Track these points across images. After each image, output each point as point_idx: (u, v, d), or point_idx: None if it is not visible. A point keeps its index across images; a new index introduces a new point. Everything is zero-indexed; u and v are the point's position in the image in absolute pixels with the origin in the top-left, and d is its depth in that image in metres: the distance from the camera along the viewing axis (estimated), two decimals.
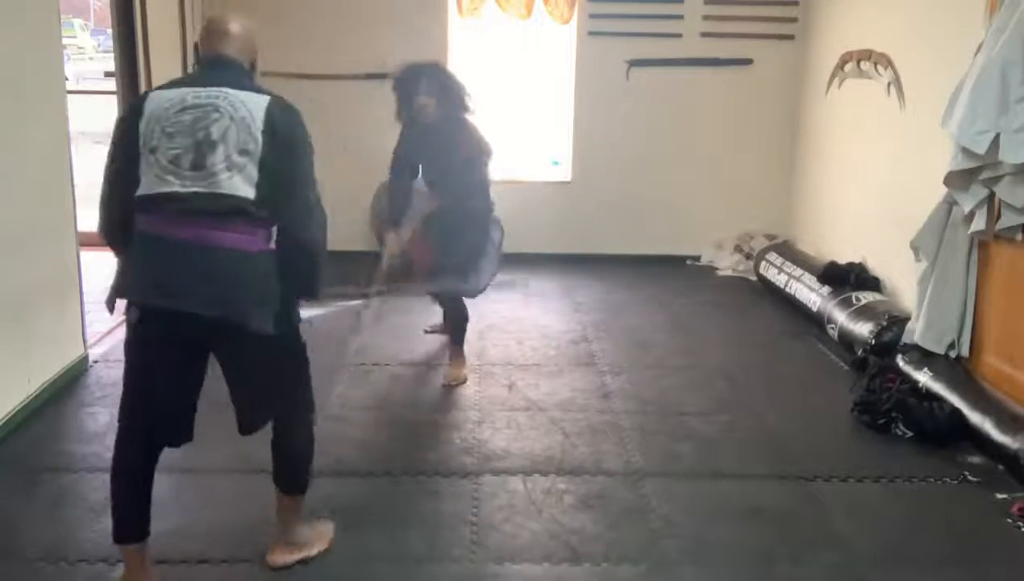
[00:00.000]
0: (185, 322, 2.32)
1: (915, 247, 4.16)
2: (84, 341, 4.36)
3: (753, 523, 3.06)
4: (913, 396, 3.83)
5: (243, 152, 2.32)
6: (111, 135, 2.49)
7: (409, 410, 4.01)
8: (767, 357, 4.77)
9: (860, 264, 5.16)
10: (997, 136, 3.53)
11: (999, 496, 3.24)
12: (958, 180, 3.81)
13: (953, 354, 3.99)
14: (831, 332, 4.87)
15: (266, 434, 2.63)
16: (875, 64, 5.16)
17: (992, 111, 3.53)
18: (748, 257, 6.38)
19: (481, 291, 4.31)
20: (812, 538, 2.98)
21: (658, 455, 3.56)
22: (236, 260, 2.35)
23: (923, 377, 3.94)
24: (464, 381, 4.25)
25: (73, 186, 4.27)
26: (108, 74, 7.64)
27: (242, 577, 2.69)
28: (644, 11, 6.28)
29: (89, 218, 5.09)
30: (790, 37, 6.37)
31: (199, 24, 5.53)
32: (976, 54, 3.72)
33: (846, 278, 5.03)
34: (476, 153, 4.12)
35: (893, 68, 4.95)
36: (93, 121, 8.93)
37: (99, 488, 3.17)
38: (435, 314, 4.87)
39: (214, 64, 2.51)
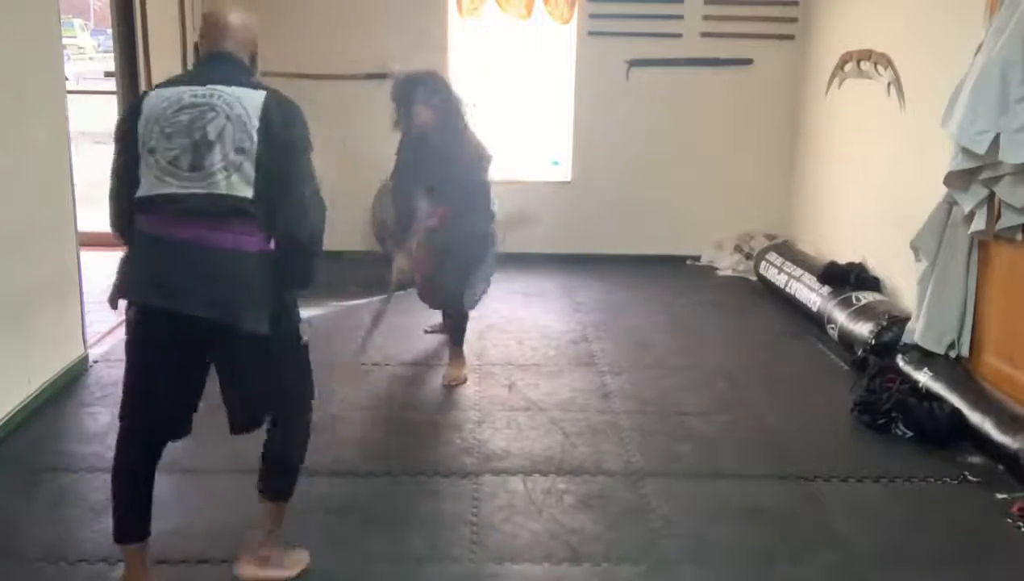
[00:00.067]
0: (184, 322, 2.32)
1: (915, 247, 4.16)
2: (84, 341, 4.36)
3: (753, 523, 3.06)
4: (913, 396, 3.83)
5: (239, 150, 2.32)
6: (114, 134, 2.50)
7: (409, 410, 4.01)
8: (767, 357, 4.77)
9: (860, 264, 5.16)
10: (997, 136, 3.53)
11: (999, 496, 3.24)
12: (958, 180, 3.81)
13: (953, 354, 3.99)
14: (831, 332, 4.87)
15: (265, 435, 2.62)
16: (875, 64, 5.16)
17: (992, 111, 3.53)
18: (748, 257, 6.38)
19: (475, 305, 4.36)
20: (812, 538, 2.98)
21: (658, 455, 3.56)
22: (235, 261, 2.35)
23: (923, 377, 3.94)
24: (464, 381, 4.25)
25: (73, 186, 4.27)
26: (108, 74, 7.64)
27: None
28: (644, 11, 6.28)
29: (89, 218, 5.12)
30: (790, 37, 6.37)
31: (199, 24, 5.53)
32: (976, 54, 3.72)
33: (846, 278, 5.03)
34: (475, 160, 4.15)
35: (893, 68, 4.95)
36: (93, 121, 8.92)
37: (99, 488, 3.17)
38: (435, 314, 4.87)
39: (212, 60, 2.50)
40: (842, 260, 5.27)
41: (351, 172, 5.76)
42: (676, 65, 6.39)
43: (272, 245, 2.43)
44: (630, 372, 4.44)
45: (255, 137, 2.33)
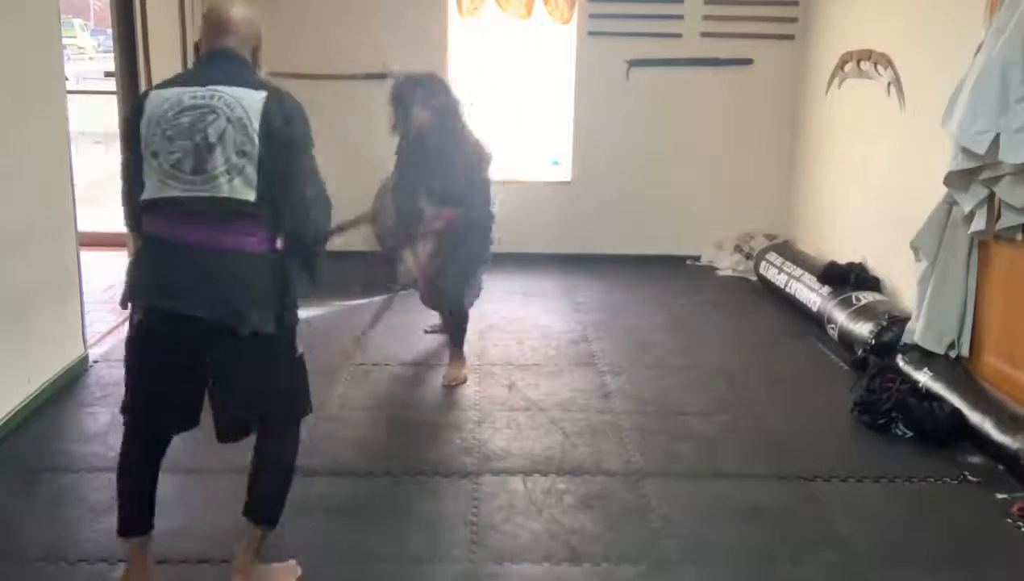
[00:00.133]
0: (186, 323, 2.33)
1: (915, 247, 4.16)
2: (84, 341, 4.36)
3: (753, 523, 3.06)
4: (913, 396, 3.83)
5: (241, 153, 2.32)
6: (120, 134, 2.51)
7: (409, 410, 4.01)
8: (767, 357, 4.77)
9: (860, 264, 5.16)
10: (997, 136, 3.53)
11: (999, 496, 3.24)
12: (958, 180, 3.81)
13: (953, 354, 3.99)
14: (831, 332, 4.87)
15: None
16: (875, 64, 5.16)
17: (992, 111, 3.53)
18: (748, 257, 6.38)
19: (471, 304, 4.36)
20: (812, 538, 2.98)
21: (658, 455, 3.56)
22: (238, 261, 2.36)
23: (923, 377, 3.94)
24: (464, 381, 4.25)
25: (73, 186, 4.27)
26: (108, 74, 7.64)
27: None
28: (644, 11, 6.28)
29: (89, 218, 5.12)
30: (790, 37, 6.37)
31: (199, 24, 5.52)
32: (976, 54, 3.71)
33: (846, 278, 5.03)
34: (475, 160, 4.14)
35: (893, 68, 4.95)
36: (93, 121, 8.94)
37: (99, 488, 3.18)
38: (435, 314, 4.87)
39: (213, 58, 2.48)
40: (842, 260, 5.27)
41: (351, 172, 5.74)
42: (676, 65, 6.39)
43: (277, 245, 2.43)
44: (630, 372, 4.44)
45: (256, 140, 2.32)
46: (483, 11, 6.32)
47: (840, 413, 3.95)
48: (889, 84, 4.98)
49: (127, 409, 2.54)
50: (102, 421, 3.75)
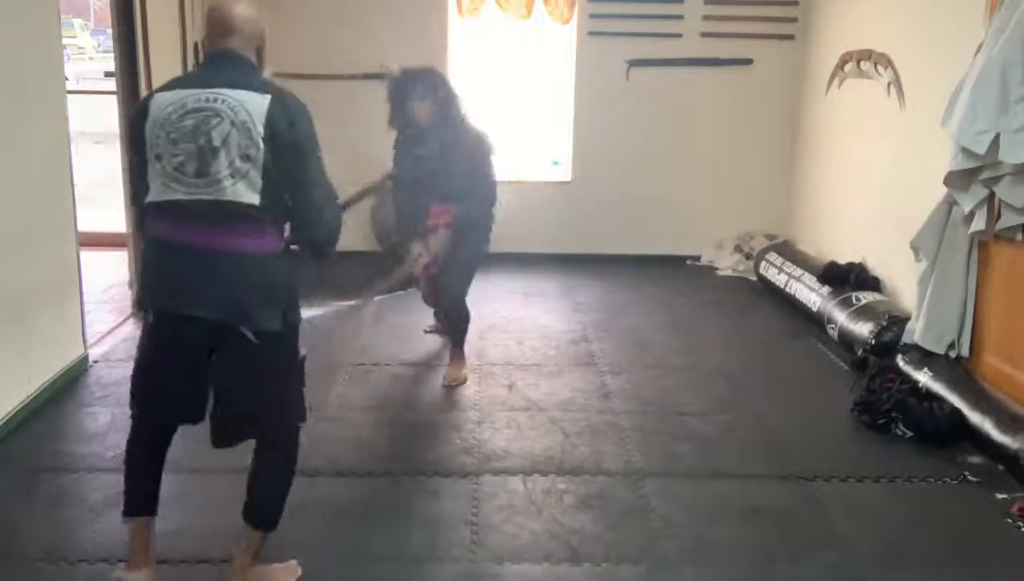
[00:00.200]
0: (190, 324, 2.36)
1: (915, 247, 4.16)
2: (84, 341, 4.36)
3: (753, 523, 3.06)
4: (913, 396, 3.83)
5: (245, 158, 2.32)
6: (126, 136, 2.52)
7: (409, 410, 4.01)
8: (767, 357, 4.77)
9: (860, 264, 5.16)
10: (997, 136, 3.53)
11: (999, 496, 3.24)
12: (958, 180, 3.81)
13: (953, 354, 3.99)
14: (831, 332, 4.87)
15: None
16: (875, 64, 5.16)
17: (992, 111, 3.53)
18: (748, 257, 6.38)
19: (463, 297, 4.32)
20: (812, 538, 2.98)
21: (658, 455, 3.56)
22: (242, 263, 2.38)
23: (923, 377, 3.94)
24: (464, 382, 4.24)
25: (73, 186, 4.27)
26: (108, 74, 7.64)
27: None
28: (644, 11, 6.28)
29: (89, 218, 5.12)
30: (790, 37, 6.37)
31: (199, 24, 5.52)
32: (976, 54, 3.71)
33: (846, 278, 5.03)
34: (478, 155, 4.11)
35: (893, 68, 4.95)
36: (93, 121, 8.93)
37: (99, 488, 3.18)
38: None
39: (216, 60, 2.48)
40: (842, 260, 5.27)
41: (351, 172, 5.73)
42: (676, 65, 6.39)
43: (280, 246, 2.45)
44: (630, 372, 4.44)
45: (261, 145, 2.32)
46: (483, 11, 6.32)
47: (840, 413, 3.95)
48: (889, 84, 4.98)
49: (133, 402, 2.58)
50: (102, 421, 3.75)
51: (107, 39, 9.01)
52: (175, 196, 2.34)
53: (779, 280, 5.66)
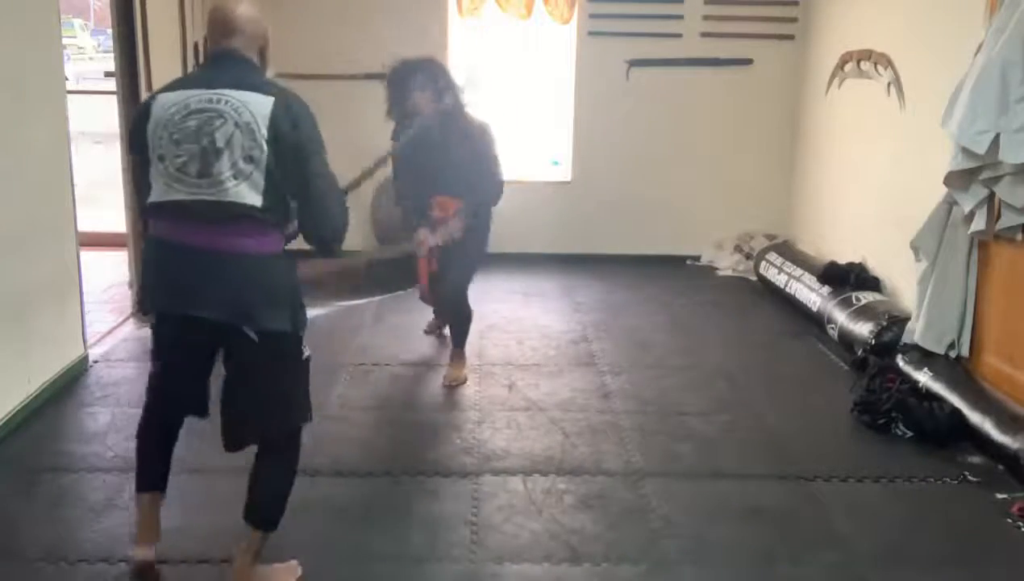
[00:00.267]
0: (196, 324, 2.37)
1: (915, 247, 4.16)
2: (84, 341, 4.36)
3: (753, 523, 3.06)
4: (913, 396, 3.83)
5: (249, 159, 2.32)
6: (127, 136, 2.53)
7: (409, 410, 4.01)
8: (767, 357, 4.77)
9: (860, 264, 5.16)
10: (997, 136, 3.53)
11: (999, 496, 3.24)
12: (958, 180, 3.81)
13: (953, 354, 3.99)
14: (831, 332, 4.87)
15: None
16: (875, 64, 5.16)
17: (992, 111, 3.53)
18: (748, 257, 6.38)
19: (465, 295, 4.30)
20: (812, 538, 2.98)
21: (658, 455, 3.56)
22: (245, 264, 2.38)
23: (923, 377, 3.94)
24: (464, 382, 4.24)
25: (73, 186, 4.27)
26: (108, 74, 7.64)
27: None
28: (644, 11, 6.28)
29: (89, 218, 5.12)
30: (790, 37, 6.37)
31: (199, 24, 5.52)
32: (976, 54, 3.72)
33: (846, 278, 5.03)
34: (480, 145, 4.06)
35: (893, 68, 4.95)
36: (93, 121, 8.93)
37: (99, 488, 3.18)
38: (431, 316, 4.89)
39: (218, 60, 2.48)
40: (842, 260, 5.27)
41: (351, 172, 5.75)
42: (676, 65, 6.39)
43: (283, 246, 2.46)
44: (630, 372, 4.44)
45: (265, 146, 2.32)
46: (483, 11, 6.32)
47: (840, 413, 3.95)
48: (889, 84, 4.98)
49: (147, 389, 2.64)
50: (102, 421, 3.75)
51: (107, 39, 9.01)
52: (177, 196, 2.34)
53: (779, 280, 5.66)
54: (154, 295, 2.46)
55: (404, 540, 2.90)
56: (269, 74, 2.54)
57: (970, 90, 3.64)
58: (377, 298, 5.53)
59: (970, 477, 3.38)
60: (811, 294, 5.21)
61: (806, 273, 5.40)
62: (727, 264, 6.48)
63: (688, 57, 6.38)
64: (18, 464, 3.38)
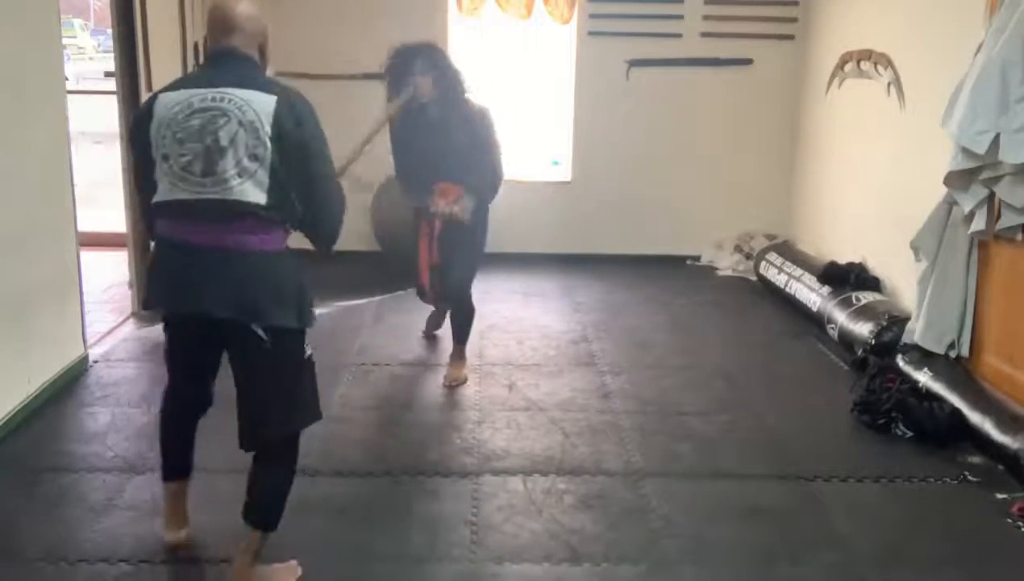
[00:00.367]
0: (202, 322, 2.39)
1: (915, 247, 4.16)
2: (84, 341, 4.36)
3: (753, 523, 3.06)
4: (913, 396, 3.83)
5: (253, 157, 2.33)
6: (128, 136, 2.55)
7: (409, 410, 4.01)
8: (767, 357, 4.77)
9: (860, 264, 5.16)
10: (997, 136, 3.53)
11: (999, 496, 3.24)
12: (958, 180, 3.81)
13: (953, 354, 4.00)
14: (831, 332, 4.87)
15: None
16: (875, 64, 5.16)
17: (992, 111, 3.53)
18: (748, 257, 6.38)
19: (468, 289, 4.28)
20: (812, 538, 2.98)
21: (658, 455, 3.56)
22: (250, 262, 2.39)
23: (923, 377, 3.94)
24: (464, 382, 4.24)
25: (73, 186, 4.27)
26: (108, 74, 7.64)
27: None
28: (644, 11, 6.28)
29: (89, 218, 5.12)
30: (790, 37, 6.37)
31: (199, 24, 5.52)
32: (976, 54, 3.72)
33: (846, 278, 5.03)
34: (480, 128, 4.03)
35: (893, 68, 4.95)
36: (93, 121, 8.94)
37: (99, 488, 3.18)
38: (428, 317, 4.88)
39: (219, 59, 2.49)
40: (842, 260, 5.27)
41: (350, 172, 5.75)
42: (676, 65, 6.39)
43: (286, 244, 2.48)
44: (630, 372, 4.44)
45: (268, 144, 2.34)
46: (483, 11, 6.32)
47: (840, 413, 3.95)
48: (889, 84, 4.98)
49: (165, 387, 2.75)
50: (102, 421, 3.75)
51: (107, 39, 9.01)
52: (182, 195, 2.36)
53: (779, 280, 5.66)
54: (160, 294, 2.48)
55: (404, 540, 2.90)
56: (268, 72, 2.55)
57: (970, 90, 3.64)
58: (377, 298, 5.53)
59: (970, 477, 3.38)
60: (811, 294, 5.21)
61: (806, 273, 5.40)
62: (727, 264, 6.48)
63: (688, 57, 6.38)
64: (18, 464, 3.38)
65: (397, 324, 5.07)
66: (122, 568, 2.70)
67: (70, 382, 4.11)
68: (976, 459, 3.52)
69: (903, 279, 4.69)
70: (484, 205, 4.18)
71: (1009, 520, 3.10)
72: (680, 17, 6.33)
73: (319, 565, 2.72)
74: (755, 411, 4.00)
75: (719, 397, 4.17)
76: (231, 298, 2.36)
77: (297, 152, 2.38)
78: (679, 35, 6.36)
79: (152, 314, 4.74)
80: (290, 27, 6.03)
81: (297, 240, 2.57)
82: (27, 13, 3.86)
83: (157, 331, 4.69)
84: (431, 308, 4.82)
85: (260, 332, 2.38)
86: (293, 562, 2.69)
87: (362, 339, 4.85)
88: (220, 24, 2.48)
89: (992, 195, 3.72)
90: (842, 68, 5.65)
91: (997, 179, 3.63)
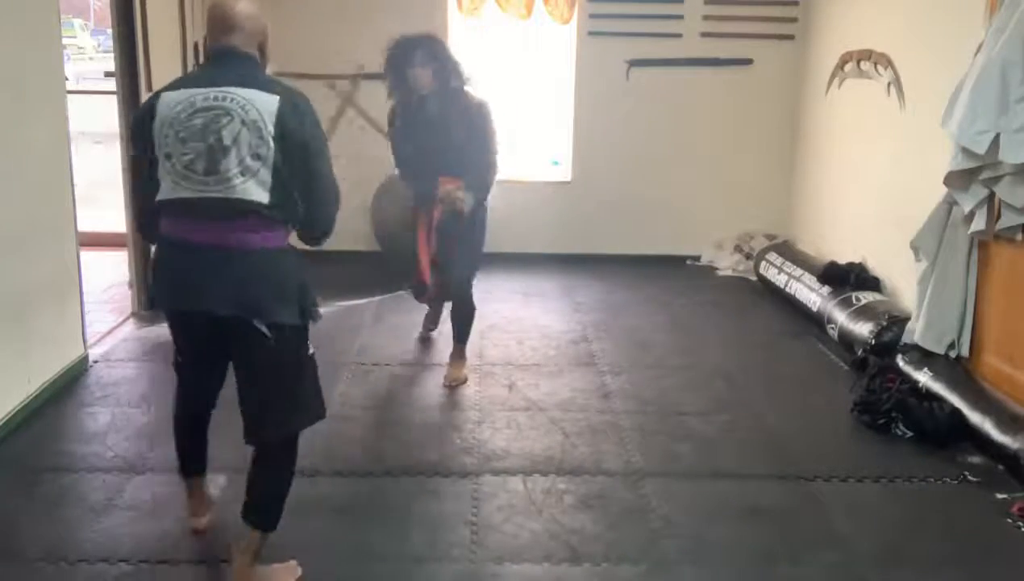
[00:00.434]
0: (204, 320, 2.40)
1: (915, 247, 4.16)
2: (84, 341, 4.36)
3: (753, 523, 3.06)
4: (913, 396, 3.83)
5: (256, 157, 2.34)
6: (129, 136, 2.55)
7: (409, 410, 4.01)
8: (767, 357, 4.77)
9: (860, 264, 5.16)
10: (997, 136, 3.53)
11: (999, 496, 3.25)
12: (958, 180, 3.81)
13: (953, 354, 3.99)
14: (831, 332, 4.87)
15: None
16: (875, 64, 5.16)
17: (992, 111, 3.53)
18: (748, 257, 6.38)
19: (470, 285, 4.28)
20: (812, 538, 2.98)
21: (658, 455, 3.56)
22: (252, 259, 2.40)
23: (923, 377, 3.94)
24: (464, 382, 4.24)
25: (73, 186, 4.27)
26: (108, 74, 7.64)
27: None
28: (644, 11, 6.28)
29: (89, 218, 5.11)
30: (790, 37, 6.37)
31: (199, 24, 5.52)
32: (976, 54, 3.72)
33: (846, 278, 5.03)
34: (479, 120, 4.02)
35: (893, 68, 4.95)
36: (93, 121, 8.94)
37: (99, 488, 3.18)
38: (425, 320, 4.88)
39: (220, 58, 2.49)
40: (842, 260, 5.27)
41: (351, 171, 5.75)
42: (676, 65, 6.39)
43: (287, 242, 2.49)
44: (630, 372, 4.44)
45: (271, 143, 2.34)
46: (483, 11, 6.32)
47: (840, 413, 3.95)
48: (889, 84, 4.98)
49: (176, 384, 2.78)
50: (102, 421, 3.75)
51: (107, 39, 9.01)
52: (184, 194, 2.36)
53: (779, 280, 5.66)
54: (162, 293, 2.49)
55: (404, 540, 2.90)
56: (268, 72, 2.55)
57: (970, 90, 3.64)
58: (377, 298, 5.53)
59: (970, 477, 3.38)
60: (811, 294, 5.21)
61: (806, 273, 5.40)
62: (727, 264, 6.48)
63: (688, 57, 6.38)
64: (18, 464, 3.38)
65: (397, 324, 5.07)
66: (122, 568, 2.70)
67: (70, 382, 4.11)
68: (976, 459, 3.52)
69: (903, 279, 4.69)
70: (481, 201, 4.17)
71: (1009, 520, 3.10)
72: (680, 17, 6.33)
73: (319, 565, 2.72)
74: (755, 411, 4.00)
75: (719, 397, 4.17)
76: (233, 296, 2.37)
77: (299, 151, 2.39)
78: (679, 35, 6.36)
79: (152, 314, 4.76)
80: (289, 26, 6.03)
81: (297, 239, 2.58)
82: (27, 13, 3.86)
83: (157, 331, 4.74)
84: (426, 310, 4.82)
85: (263, 329, 2.39)
86: (293, 562, 2.69)
87: (362, 339, 4.85)
88: (220, 23, 2.48)
89: (992, 195, 3.72)
90: (842, 68, 5.65)
91: (997, 179, 3.63)
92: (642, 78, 6.42)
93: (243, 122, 2.33)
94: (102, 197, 6.90)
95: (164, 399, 3.76)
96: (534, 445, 3.60)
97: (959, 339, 3.99)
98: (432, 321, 4.85)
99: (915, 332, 4.13)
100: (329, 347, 4.45)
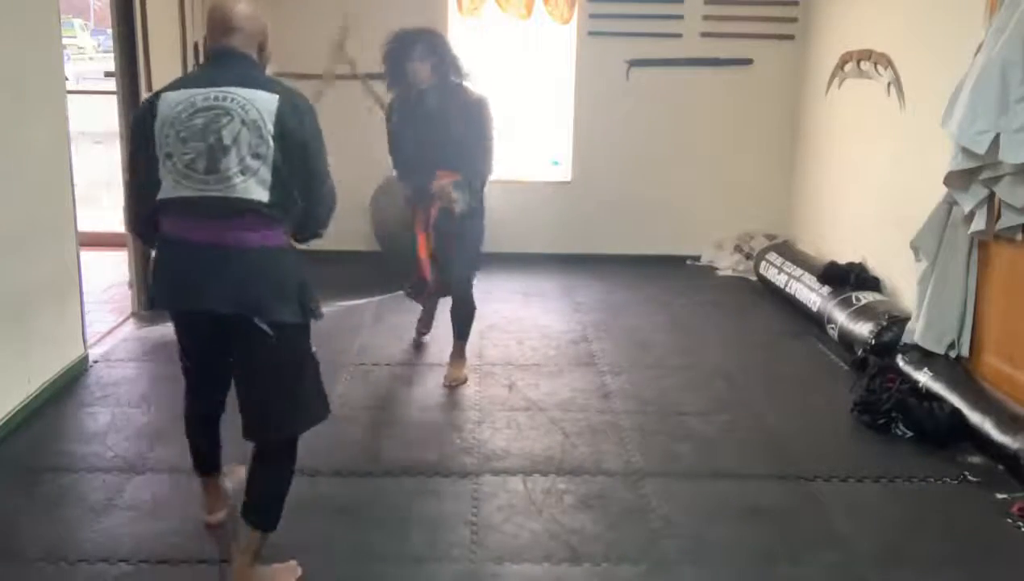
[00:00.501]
0: (206, 318, 2.41)
1: (915, 247, 4.16)
2: (84, 341, 4.36)
3: (753, 523, 3.06)
4: (913, 396, 3.83)
5: (256, 156, 2.35)
6: (128, 134, 2.55)
7: (409, 410, 4.01)
8: (767, 357, 4.77)
9: (860, 264, 5.16)
10: (997, 136, 3.53)
11: (999, 496, 3.24)
12: (958, 180, 3.81)
13: (953, 354, 3.99)
14: (831, 332, 4.87)
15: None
16: (875, 64, 5.16)
17: (992, 111, 3.53)
18: (748, 257, 6.38)
19: (471, 283, 4.28)
20: (812, 538, 2.98)
21: (658, 455, 3.56)
22: (252, 258, 2.40)
23: (923, 377, 3.94)
24: (464, 382, 4.24)
25: (73, 186, 4.27)
26: (108, 74, 7.64)
27: None
28: (644, 11, 6.28)
29: (89, 218, 5.12)
30: (790, 37, 6.37)
31: (199, 24, 5.52)
32: (976, 54, 3.72)
33: (846, 278, 5.03)
34: (477, 115, 4.00)
35: (893, 68, 4.95)
36: (93, 121, 8.93)
37: (99, 488, 3.18)
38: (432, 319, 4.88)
39: (220, 58, 2.50)
40: (842, 260, 5.27)
41: (351, 171, 5.75)
42: (676, 65, 6.39)
43: (287, 240, 2.49)
44: (630, 372, 4.44)
45: (271, 143, 2.35)
46: (483, 11, 6.32)
47: (840, 413, 3.95)
48: (889, 84, 4.98)
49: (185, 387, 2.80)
50: (102, 421, 3.75)
51: (107, 39, 9.00)
52: (185, 193, 2.37)
53: (779, 280, 5.66)
54: (162, 293, 2.49)
55: (404, 540, 2.90)
56: (268, 71, 2.56)
57: (970, 90, 3.64)
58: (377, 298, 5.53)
59: (970, 477, 3.38)
60: (811, 294, 5.21)
61: (806, 273, 5.40)
62: (727, 264, 6.48)
63: (688, 57, 6.38)
64: (18, 464, 3.38)
65: (397, 324, 5.07)
66: (122, 568, 2.70)
67: (70, 382, 4.11)
68: (976, 459, 3.52)
69: (903, 279, 4.69)
70: (478, 197, 4.15)
71: (1009, 520, 3.10)
72: (680, 17, 6.33)
73: (319, 565, 2.72)
74: (755, 411, 4.00)
75: (719, 397, 4.17)
76: (233, 295, 2.37)
77: (299, 150, 2.41)
78: (679, 35, 6.36)
79: (152, 314, 4.76)
80: (289, 26, 6.03)
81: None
82: (27, 13, 3.86)
83: (157, 331, 4.74)
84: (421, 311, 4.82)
85: (265, 327, 2.38)
86: (293, 562, 2.69)
87: (362, 339, 4.85)
88: (219, 24, 2.49)
89: (992, 195, 3.72)
90: (842, 68, 5.65)
91: (997, 179, 3.63)
92: (642, 78, 6.42)
93: (243, 122, 2.34)
94: (102, 197, 6.91)
95: (164, 399, 3.78)
96: (534, 445, 3.60)
97: (959, 339, 3.99)
98: (425, 324, 4.84)
99: (915, 332, 4.13)
100: (329, 347, 4.44)
